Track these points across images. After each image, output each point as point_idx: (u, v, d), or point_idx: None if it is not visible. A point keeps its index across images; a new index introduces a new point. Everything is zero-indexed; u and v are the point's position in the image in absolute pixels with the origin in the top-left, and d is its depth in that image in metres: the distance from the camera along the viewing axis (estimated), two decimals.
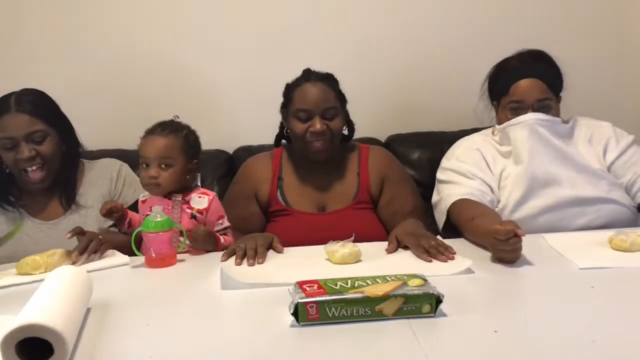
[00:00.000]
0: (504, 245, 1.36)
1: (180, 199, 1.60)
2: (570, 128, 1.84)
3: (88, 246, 1.54)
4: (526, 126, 1.76)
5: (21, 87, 1.74)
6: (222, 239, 1.65)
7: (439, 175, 1.89)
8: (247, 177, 1.88)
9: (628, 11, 2.47)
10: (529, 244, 1.51)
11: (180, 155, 1.62)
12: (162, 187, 1.61)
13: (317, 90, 1.74)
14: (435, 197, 1.87)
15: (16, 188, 1.77)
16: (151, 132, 1.64)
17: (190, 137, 1.67)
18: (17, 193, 1.77)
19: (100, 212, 1.60)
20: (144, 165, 1.61)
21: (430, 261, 1.42)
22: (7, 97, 1.69)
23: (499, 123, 1.86)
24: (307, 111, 1.74)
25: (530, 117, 1.76)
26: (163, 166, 1.60)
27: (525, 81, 1.79)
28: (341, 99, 1.80)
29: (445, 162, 1.90)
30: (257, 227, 1.79)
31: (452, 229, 1.73)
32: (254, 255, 1.49)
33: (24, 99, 1.68)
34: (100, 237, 1.59)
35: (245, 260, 1.48)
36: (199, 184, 1.77)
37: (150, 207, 1.63)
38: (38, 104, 1.71)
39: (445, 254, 1.43)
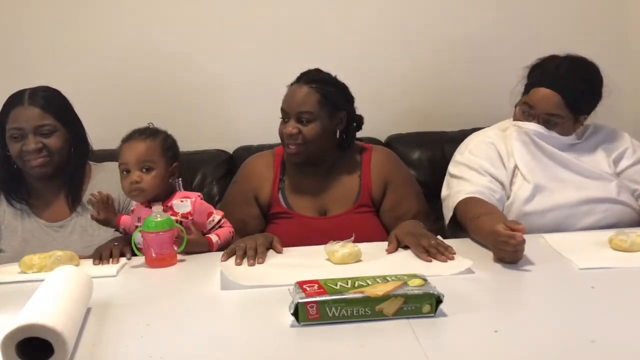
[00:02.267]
0: (505, 246, 1.36)
1: (161, 207, 1.57)
2: (580, 136, 1.83)
3: (109, 255, 1.56)
4: (522, 135, 1.76)
5: (24, 86, 1.74)
6: (214, 237, 1.64)
7: (451, 168, 1.86)
8: (248, 178, 1.86)
9: (628, 11, 2.47)
10: (529, 244, 1.50)
11: (161, 158, 1.62)
12: (146, 192, 1.61)
13: (298, 93, 1.72)
14: (444, 192, 1.85)
15: (24, 187, 1.77)
16: (129, 138, 1.64)
17: (168, 140, 1.67)
18: (25, 192, 1.77)
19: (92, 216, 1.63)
20: (125, 172, 1.61)
21: (430, 261, 1.42)
22: (23, 91, 1.73)
23: (514, 116, 1.85)
24: (284, 112, 1.75)
25: (530, 127, 1.76)
26: (144, 170, 1.60)
27: (544, 90, 1.74)
28: (329, 104, 1.73)
29: (458, 155, 1.87)
30: (255, 230, 1.76)
31: (459, 226, 1.73)
32: (254, 255, 1.48)
33: (38, 94, 1.72)
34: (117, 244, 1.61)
35: (245, 260, 1.47)
36: (181, 188, 1.75)
37: (138, 217, 1.63)
38: (51, 100, 1.73)
39: (445, 254, 1.43)
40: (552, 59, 1.81)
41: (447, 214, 1.78)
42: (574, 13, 2.44)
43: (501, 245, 1.37)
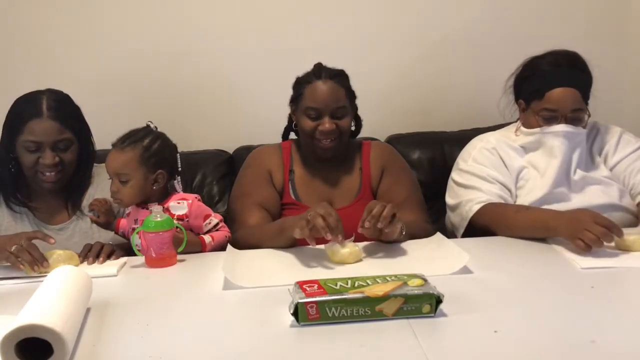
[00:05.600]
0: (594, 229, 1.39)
1: (160, 207, 1.54)
2: (586, 135, 1.83)
3: (98, 250, 1.57)
4: (558, 137, 1.75)
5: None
6: (207, 238, 1.63)
7: (457, 177, 1.85)
8: (262, 162, 1.85)
9: (628, 11, 2.47)
10: (529, 244, 1.51)
11: (138, 168, 1.59)
12: (124, 202, 1.62)
13: (328, 90, 1.73)
14: (452, 200, 1.84)
15: (25, 189, 1.76)
16: (113, 145, 1.63)
17: (152, 147, 1.62)
18: (26, 194, 1.76)
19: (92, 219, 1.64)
20: (109, 179, 1.63)
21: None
22: (39, 99, 1.67)
23: (527, 125, 1.83)
24: (317, 110, 1.73)
25: (562, 129, 1.74)
26: (122, 181, 1.59)
27: (561, 90, 1.73)
28: (351, 95, 1.79)
29: (462, 163, 1.86)
30: (276, 212, 1.77)
31: (470, 232, 1.73)
32: (334, 225, 1.40)
33: (55, 105, 1.67)
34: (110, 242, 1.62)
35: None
36: (179, 189, 1.74)
37: (135, 219, 1.64)
38: (68, 113, 1.70)
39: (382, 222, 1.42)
40: (542, 60, 1.81)
41: (461, 223, 1.77)
42: (574, 10, 2.44)
43: (589, 227, 1.39)
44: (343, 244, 1.45)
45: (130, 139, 1.62)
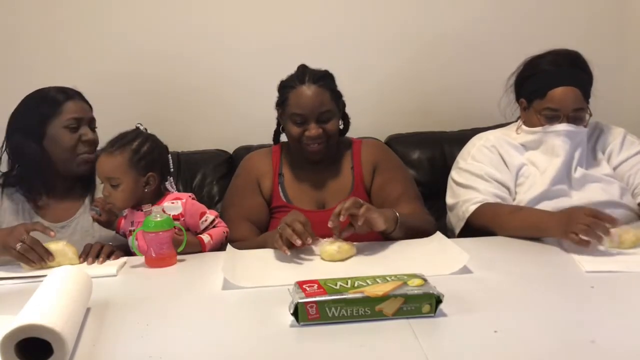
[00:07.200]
0: (585, 221, 1.39)
1: (150, 209, 1.54)
2: (587, 134, 1.83)
3: (98, 251, 1.57)
4: (560, 136, 1.76)
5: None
6: (206, 237, 1.63)
7: (455, 176, 1.86)
8: (250, 169, 1.87)
9: (628, 11, 2.47)
10: (529, 244, 1.51)
11: (128, 172, 1.59)
12: (117, 206, 1.62)
13: (312, 95, 1.71)
14: (451, 200, 1.85)
15: (42, 184, 1.75)
16: (102, 150, 1.63)
17: (141, 149, 1.61)
18: (41, 188, 1.75)
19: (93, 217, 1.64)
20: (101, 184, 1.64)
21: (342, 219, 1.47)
22: (62, 92, 1.74)
23: (528, 123, 1.84)
24: (302, 116, 1.72)
25: (563, 128, 1.75)
26: (113, 185, 1.59)
27: (563, 89, 1.74)
28: (336, 97, 1.77)
29: (461, 162, 1.87)
30: (263, 220, 1.79)
31: (468, 232, 1.73)
32: (302, 231, 1.46)
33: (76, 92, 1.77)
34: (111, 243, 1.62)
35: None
36: (172, 189, 1.74)
37: (131, 221, 1.64)
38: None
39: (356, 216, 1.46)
40: (543, 60, 1.81)
41: (458, 223, 1.78)
42: (574, 10, 2.44)
43: (580, 219, 1.39)
44: (331, 241, 1.46)
45: (119, 142, 1.61)
